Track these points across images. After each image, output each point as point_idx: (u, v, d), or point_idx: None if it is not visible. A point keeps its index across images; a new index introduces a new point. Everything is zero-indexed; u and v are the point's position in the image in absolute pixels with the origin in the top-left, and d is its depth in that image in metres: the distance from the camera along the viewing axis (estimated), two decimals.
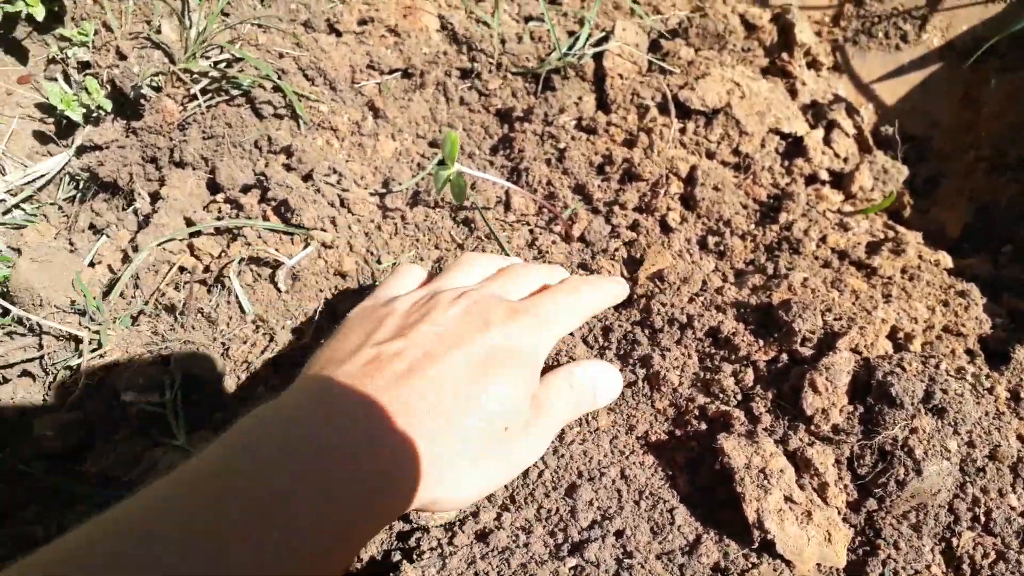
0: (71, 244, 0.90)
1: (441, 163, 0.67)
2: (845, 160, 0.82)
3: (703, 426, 0.60)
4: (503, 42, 0.93)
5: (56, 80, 1.04)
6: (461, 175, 0.68)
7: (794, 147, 0.82)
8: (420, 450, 0.49)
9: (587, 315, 0.64)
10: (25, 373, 0.72)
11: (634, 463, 0.58)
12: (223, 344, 0.69)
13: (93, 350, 0.67)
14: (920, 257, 0.71)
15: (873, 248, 0.71)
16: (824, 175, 0.80)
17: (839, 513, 0.54)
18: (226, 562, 0.39)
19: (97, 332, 0.69)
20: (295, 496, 0.43)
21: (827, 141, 0.83)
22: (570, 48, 0.91)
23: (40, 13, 1.00)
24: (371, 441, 0.48)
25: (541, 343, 0.58)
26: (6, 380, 0.71)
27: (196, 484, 0.42)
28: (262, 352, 0.70)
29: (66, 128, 1.04)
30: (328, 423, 0.47)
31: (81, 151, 0.98)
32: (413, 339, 0.54)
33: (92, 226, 0.92)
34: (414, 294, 0.61)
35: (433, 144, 0.90)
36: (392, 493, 0.48)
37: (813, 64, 0.96)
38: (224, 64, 0.90)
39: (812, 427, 0.55)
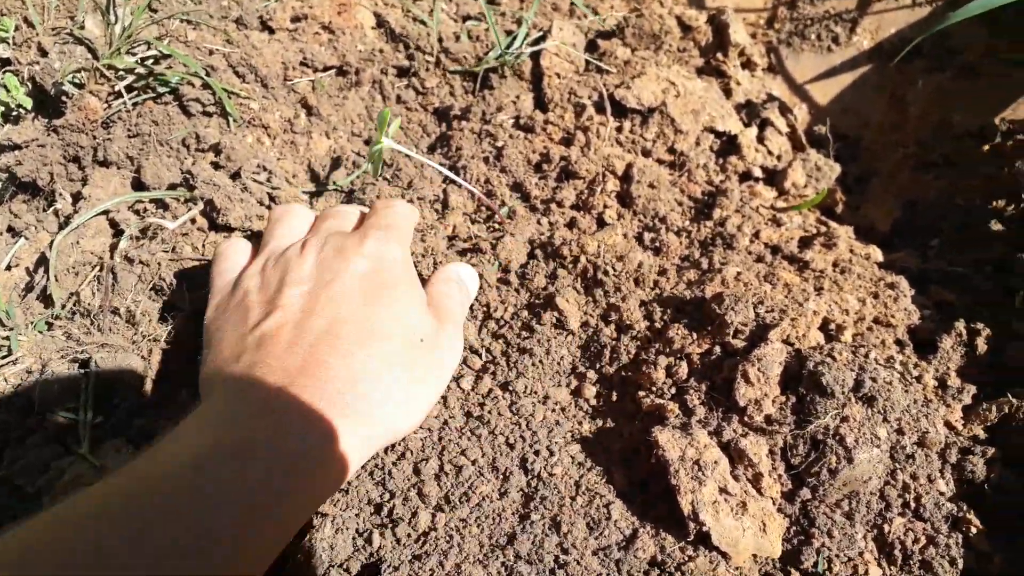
0: None
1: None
2: (778, 158, 0.83)
3: (638, 420, 0.59)
4: (441, 40, 0.92)
5: None
6: (380, 149, 0.67)
7: (728, 145, 0.83)
8: (355, 393, 0.49)
9: (413, 223, 0.64)
10: None
11: (570, 457, 0.57)
12: (145, 347, 0.66)
13: (3, 357, 0.64)
14: (851, 251, 0.72)
15: (805, 243, 0.72)
16: (758, 172, 0.81)
17: (774, 503, 0.54)
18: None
19: (7, 338, 0.65)
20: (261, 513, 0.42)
21: (761, 139, 0.84)
22: (508, 47, 0.90)
23: None
24: (305, 414, 0.46)
25: (402, 252, 0.59)
26: None
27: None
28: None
29: None
30: (258, 419, 0.46)
31: None
32: (286, 305, 0.52)
33: (11, 228, 0.88)
34: (253, 268, 0.59)
35: (369, 142, 0.89)
36: (346, 446, 0.47)
37: (747, 64, 0.97)
38: (151, 61, 0.87)
39: (745, 418, 0.55)
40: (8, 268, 0.80)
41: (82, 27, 0.93)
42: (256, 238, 0.73)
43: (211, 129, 0.82)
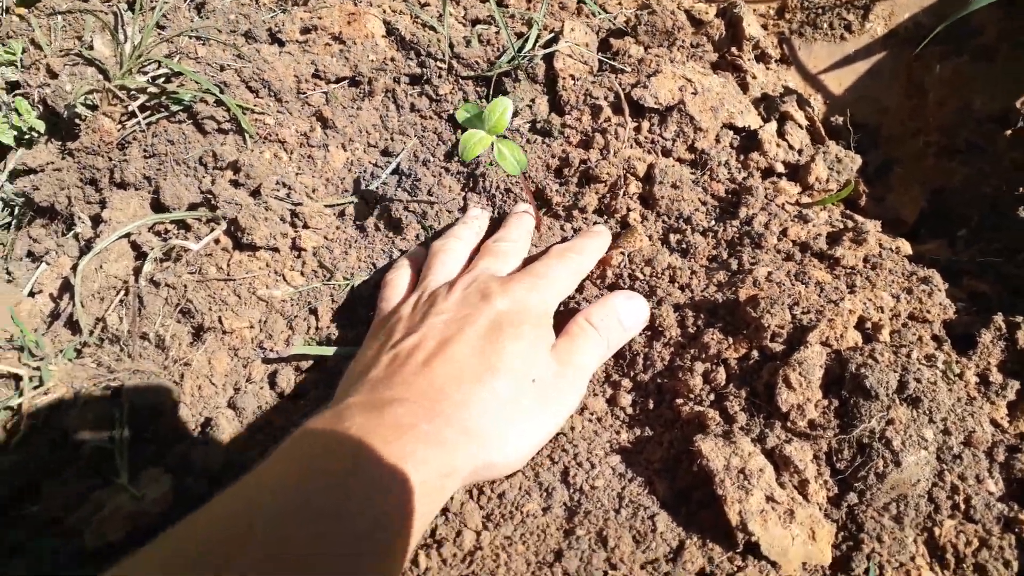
0: (8, 273, 0.85)
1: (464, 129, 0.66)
2: (800, 152, 0.82)
3: (677, 428, 0.59)
4: (452, 46, 0.91)
5: None
6: (509, 140, 0.67)
7: (749, 141, 0.82)
8: (460, 422, 0.51)
9: (582, 274, 0.69)
10: None
11: (611, 469, 0.57)
12: (176, 372, 0.65)
13: (35, 387, 0.64)
14: (880, 245, 0.71)
15: (834, 239, 0.71)
16: (780, 168, 0.80)
17: (821, 510, 0.53)
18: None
19: (38, 368, 0.65)
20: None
21: (781, 134, 0.83)
22: (520, 50, 0.89)
23: None
24: (415, 434, 0.48)
25: (545, 299, 0.62)
26: None
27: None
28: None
29: None
30: (372, 434, 0.47)
31: (14, 175, 0.94)
32: (424, 332, 0.58)
33: (30, 253, 0.88)
34: (411, 297, 0.66)
35: (385, 152, 0.88)
36: (443, 471, 0.48)
37: (762, 57, 0.96)
38: (162, 79, 0.87)
39: (788, 424, 0.55)
40: (32, 295, 0.79)
41: (91, 47, 0.93)
42: (290, 252, 0.72)
43: (228, 147, 0.81)
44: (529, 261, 0.70)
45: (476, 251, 0.73)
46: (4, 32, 0.99)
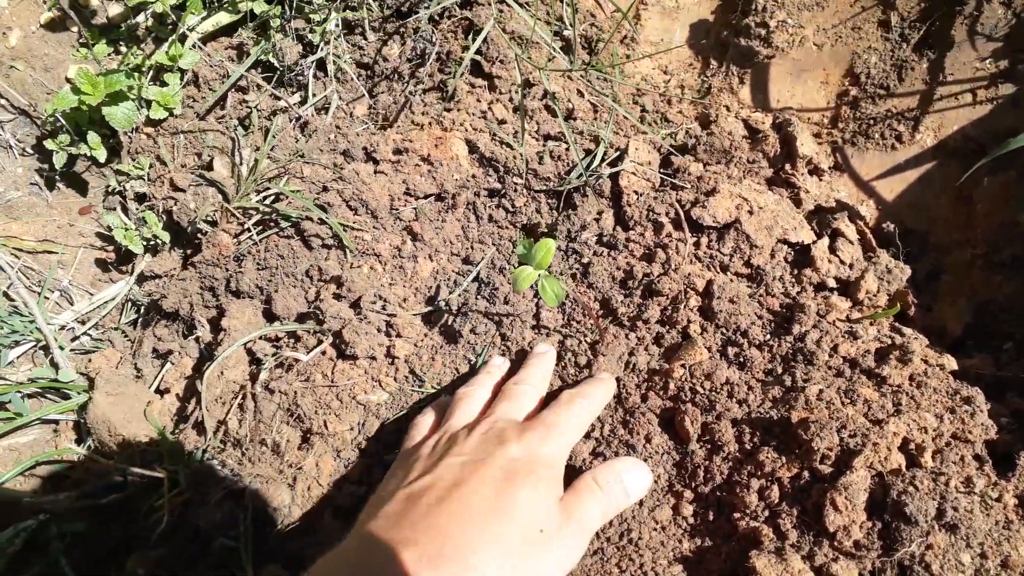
0: (137, 369, 0.97)
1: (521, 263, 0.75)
2: (851, 267, 0.89)
3: (734, 541, 0.65)
4: (527, 162, 1.01)
5: (115, 210, 1.13)
6: (551, 276, 0.76)
7: (802, 256, 0.89)
8: (463, 563, 0.56)
9: (589, 421, 0.74)
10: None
11: None
12: (290, 475, 0.75)
13: (173, 490, 0.74)
14: (926, 362, 0.76)
15: (882, 356, 0.77)
16: (831, 283, 0.87)
17: None
18: None
19: (175, 470, 0.75)
20: None
21: (832, 249, 0.89)
22: (588, 167, 0.98)
23: (102, 155, 1.09)
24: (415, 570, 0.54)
25: (556, 451, 0.67)
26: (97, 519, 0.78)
27: None
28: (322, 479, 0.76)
29: (126, 255, 1.12)
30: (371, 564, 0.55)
31: (142, 279, 1.07)
32: (439, 472, 0.63)
33: (155, 351, 0.99)
34: (432, 438, 0.71)
35: (467, 260, 0.98)
36: None
37: (815, 171, 1.03)
38: (272, 199, 0.98)
39: (835, 543, 0.61)
40: (159, 393, 0.91)
41: (210, 167, 1.06)
42: (379, 361, 0.82)
43: (331, 261, 0.92)
44: (550, 397, 0.76)
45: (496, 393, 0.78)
46: (133, 148, 1.13)
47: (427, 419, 0.77)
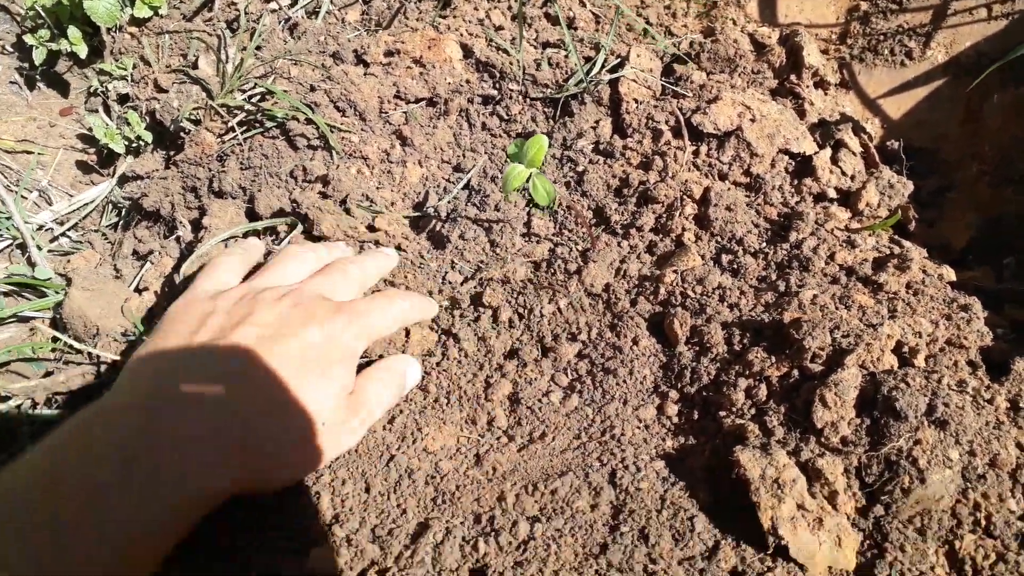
0: (116, 270, 0.95)
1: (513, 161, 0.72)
2: (852, 179, 0.86)
3: (719, 439, 0.64)
4: (523, 69, 0.97)
5: (97, 112, 1.09)
6: (543, 175, 0.73)
7: (803, 167, 0.86)
8: (244, 440, 0.55)
9: (401, 323, 0.70)
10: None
11: (655, 473, 0.62)
12: None
13: None
14: (924, 272, 0.74)
15: (879, 264, 0.74)
16: (832, 193, 0.84)
17: (848, 519, 0.58)
18: (64, 554, 0.45)
19: None
20: (122, 486, 0.49)
21: (835, 160, 0.87)
22: (587, 74, 0.95)
23: (83, 51, 1.05)
24: (196, 435, 0.53)
25: (357, 342, 0.64)
26: (70, 407, 0.77)
27: (33, 482, 0.48)
28: None
29: (107, 158, 1.09)
30: (154, 417, 0.53)
31: (123, 180, 1.04)
32: (233, 342, 0.58)
33: (136, 252, 0.97)
34: (237, 291, 0.65)
35: (457, 168, 0.95)
36: (215, 476, 0.54)
37: (820, 84, 0.99)
38: (258, 98, 0.95)
39: (822, 439, 0.59)
40: (138, 291, 0.89)
41: (195, 67, 1.02)
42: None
43: (316, 162, 0.89)
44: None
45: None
46: (117, 49, 1.09)
47: (235, 263, 0.72)
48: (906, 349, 0.65)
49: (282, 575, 0.56)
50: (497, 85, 0.97)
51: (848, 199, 0.84)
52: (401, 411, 0.69)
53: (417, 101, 0.96)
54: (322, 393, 0.59)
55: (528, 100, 0.97)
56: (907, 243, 0.80)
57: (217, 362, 0.57)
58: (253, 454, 0.55)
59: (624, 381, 0.70)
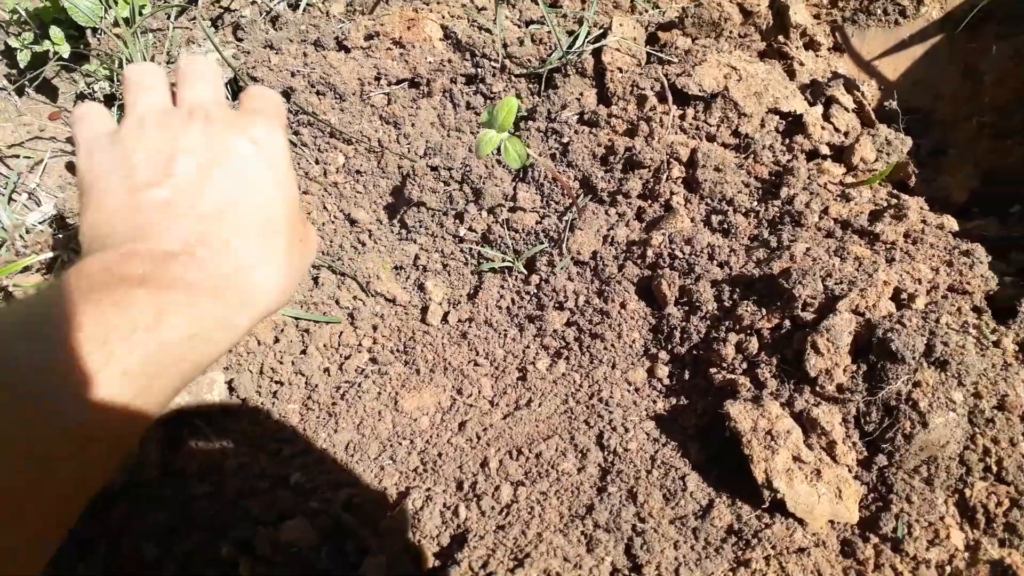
0: None
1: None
2: (845, 134, 0.83)
3: (710, 396, 0.61)
4: (505, 46, 0.96)
5: None
6: (515, 137, 0.70)
7: (794, 125, 0.83)
8: (216, 267, 0.47)
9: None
10: None
11: (645, 434, 0.59)
12: None
13: None
14: (923, 221, 0.71)
15: (875, 216, 0.71)
16: (825, 150, 0.81)
17: (850, 471, 0.54)
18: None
19: None
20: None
21: (826, 117, 0.84)
22: (570, 47, 0.93)
23: (66, 51, 1.05)
24: (193, 290, 0.47)
25: (285, 140, 0.56)
26: None
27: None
28: None
29: None
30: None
31: None
32: (179, 174, 0.49)
33: None
34: (130, 125, 0.49)
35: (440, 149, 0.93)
36: (225, 322, 0.48)
37: (811, 45, 0.96)
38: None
39: (817, 388, 0.56)
40: None
41: (175, 62, 1.01)
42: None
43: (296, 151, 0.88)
44: None
45: None
46: (102, 50, 1.09)
47: (101, 110, 0.62)
48: (904, 295, 0.61)
49: (256, 544, 0.53)
50: (478, 64, 0.95)
51: (842, 155, 0.81)
52: (383, 386, 0.67)
53: (399, 82, 0.94)
54: (288, 206, 0.53)
55: (512, 77, 0.95)
56: (905, 196, 0.77)
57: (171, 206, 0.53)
58: (234, 267, 0.50)
59: (612, 345, 0.67)
